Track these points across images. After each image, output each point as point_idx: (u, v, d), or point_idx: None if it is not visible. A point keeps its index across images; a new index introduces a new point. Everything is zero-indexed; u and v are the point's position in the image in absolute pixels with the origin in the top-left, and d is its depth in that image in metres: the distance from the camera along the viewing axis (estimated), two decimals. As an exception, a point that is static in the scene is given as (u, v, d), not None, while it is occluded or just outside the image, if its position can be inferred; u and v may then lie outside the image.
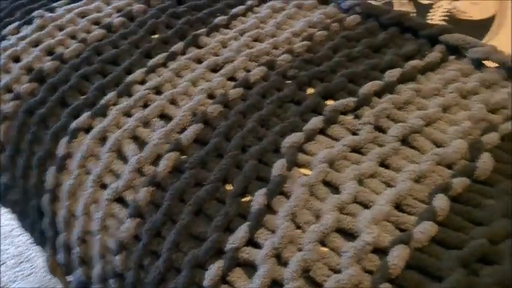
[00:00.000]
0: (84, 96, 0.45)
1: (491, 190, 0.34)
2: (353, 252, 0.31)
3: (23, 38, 0.51)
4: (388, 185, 0.35)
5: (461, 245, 0.31)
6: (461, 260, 0.30)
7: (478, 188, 0.34)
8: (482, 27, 0.50)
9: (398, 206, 0.34)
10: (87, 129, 0.42)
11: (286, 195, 0.35)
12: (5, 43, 0.51)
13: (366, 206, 0.34)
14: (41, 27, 0.52)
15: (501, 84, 0.42)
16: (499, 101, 0.40)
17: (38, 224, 0.44)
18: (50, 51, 0.50)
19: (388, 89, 0.42)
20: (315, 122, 0.40)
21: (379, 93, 0.42)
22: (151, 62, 0.47)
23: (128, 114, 0.43)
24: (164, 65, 0.47)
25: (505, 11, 0.52)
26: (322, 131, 0.39)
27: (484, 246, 0.30)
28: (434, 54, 0.45)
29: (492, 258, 0.30)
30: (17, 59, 0.50)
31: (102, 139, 0.41)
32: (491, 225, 0.32)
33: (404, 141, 0.38)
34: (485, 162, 0.36)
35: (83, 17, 0.54)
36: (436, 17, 0.52)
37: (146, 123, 0.42)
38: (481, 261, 0.30)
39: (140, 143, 0.41)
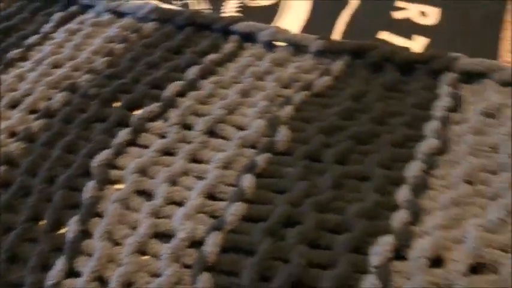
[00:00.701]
0: None
1: (290, 159, 0.37)
2: (170, 252, 0.32)
3: None
4: (200, 178, 0.36)
5: (267, 216, 0.33)
6: (268, 230, 0.32)
7: (278, 159, 0.37)
8: (271, 11, 0.54)
9: (212, 196, 0.35)
10: None
11: (101, 216, 0.35)
12: None
13: (181, 205, 0.35)
14: None
15: (291, 60, 0.46)
16: (290, 76, 0.44)
17: None
18: None
19: (190, 87, 0.43)
20: (123, 135, 0.40)
21: (182, 93, 0.43)
22: None
23: None
24: (-44, 114, 0.43)
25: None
26: (132, 143, 0.40)
27: (286, 212, 0.33)
28: (229, 45, 0.47)
29: (296, 220, 0.33)
30: None
31: None
32: (291, 191, 0.34)
33: (212, 133, 0.40)
34: (282, 134, 0.38)
35: None
36: (229, 10, 0.54)
37: None
38: (287, 225, 0.33)
39: None
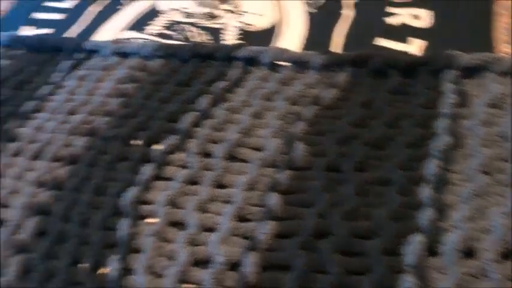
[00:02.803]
0: None
1: (310, 172, 0.38)
2: (212, 277, 0.33)
3: None
4: (228, 203, 0.38)
5: (299, 231, 0.34)
6: (302, 244, 0.33)
7: (299, 174, 0.38)
8: (269, 33, 0.56)
9: (241, 218, 0.37)
10: None
11: (139, 251, 0.36)
12: None
13: (213, 230, 0.36)
14: None
15: (296, 77, 0.47)
16: (298, 93, 0.45)
17: None
18: None
19: (204, 116, 0.45)
20: (147, 170, 0.41)
21: (197, 123, 0.44)
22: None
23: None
24: (-16, 172, 0.45)
25: (285, 15, 0.58)
26: (156, 177, 0.41)
27: (316, 224, 0.34)
28: (235, 71, 0.49)
29: (327, 231, 0.34)
30: None
31: None
32: (317, 203, 0.36)
33: (232, 157, 0.41)
34: (299, 150, 0.40)
35: None
36: (229, 38, 0.56)
37: (-19, 237, 0.40)
38: (319, 237, 0.34)
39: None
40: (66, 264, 0.36)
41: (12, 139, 0.47)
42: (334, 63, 0.47)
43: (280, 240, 0.34)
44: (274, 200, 0.36)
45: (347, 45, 0.52)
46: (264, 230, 0.35)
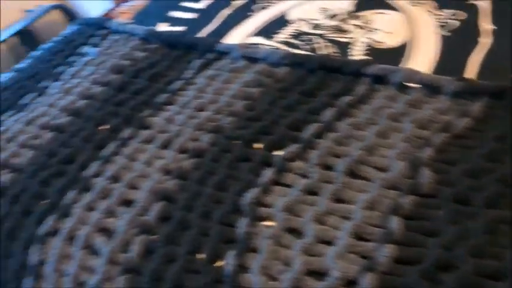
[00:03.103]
0: (46, 201, 0.46)
1: (436, 201, 0.37)
2: (326, 290, 0.33)
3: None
4: (346, 218, 0.38)
5: (420, 259, 0.33)
6: (423, 273, 0.32)
7: (424, 201, 0.37)
8: (397, 52, 0.55)
9: (358, 236, 0.36)
10: (55, 233, 0.43)
11: (256, 251, 0.37)
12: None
13: (330, 243, 0.36)
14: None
15: (426, 101, 0.46)
16: (427, 117, 0.44)
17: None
18: (5, 165, 0.51)
19: (327, 128, 0.45)
20: (268, 174, 0.42)
21: (319, 135, 0.45)
22: (104, 153, 0.49)
23: (91, 208, 0.44)
24: (117, 153, 0.49)
25: (416, 36, 0.57)
26: (276, 182, 0.42)
27: (441, 255, 0.33)
28: (362, 88, 0.49)
29: (451, 264, 0.33)
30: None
31: (71, 238, 0.43)
32: (442, 234, 0.34)
33: (352, 173, 0.41)
34: (426, 176, 0.39)
35: (31, 124, 0.55)
36: (357, 52, 0.56)
37: (111, 213, 0.43)
38: (442, 269, 0.33)
39: (109, 234, 0.42)
40: (185, 252, 0.38)
41: (146, 127, 0.51)
42: (470, 91, 0.45)
43: (398, 265, 0.34)
44: (395, 223, 0.36)
45: (482, 75, 0.49)
46: (383, 253, 0.34)
